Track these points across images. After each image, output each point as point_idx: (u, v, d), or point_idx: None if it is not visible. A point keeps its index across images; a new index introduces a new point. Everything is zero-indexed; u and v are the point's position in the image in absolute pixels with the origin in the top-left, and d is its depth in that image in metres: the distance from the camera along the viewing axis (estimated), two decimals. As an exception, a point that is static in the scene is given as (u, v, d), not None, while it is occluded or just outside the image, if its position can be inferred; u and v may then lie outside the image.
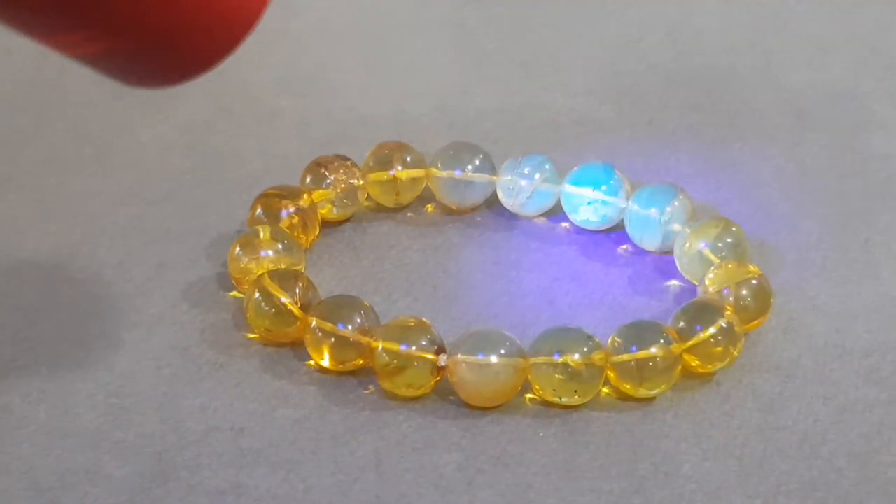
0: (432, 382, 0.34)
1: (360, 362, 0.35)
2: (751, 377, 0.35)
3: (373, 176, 0.40)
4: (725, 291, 0.36)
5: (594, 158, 0.40)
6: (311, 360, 0.36)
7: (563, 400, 0.34)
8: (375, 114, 0.45)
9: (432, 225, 0.40)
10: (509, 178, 0.40)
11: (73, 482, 0.33)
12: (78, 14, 0.26)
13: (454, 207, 0.41)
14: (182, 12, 0.27)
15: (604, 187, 0.39)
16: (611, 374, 0.34)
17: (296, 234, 0.38)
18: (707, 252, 0.37)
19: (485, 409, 0.34)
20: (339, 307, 0.35)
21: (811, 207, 0.41)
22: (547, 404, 0.34)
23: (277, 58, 0.48)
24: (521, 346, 0.34)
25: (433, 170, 0.40)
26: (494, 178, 0.40)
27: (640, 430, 0.34)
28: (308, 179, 0.40)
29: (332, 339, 0.35)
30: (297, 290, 0.36)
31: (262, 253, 0.37)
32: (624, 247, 0.39)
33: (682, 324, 0.35)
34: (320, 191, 0.39)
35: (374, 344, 0.35)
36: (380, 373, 0.34)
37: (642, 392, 0.34)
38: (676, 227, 0.38)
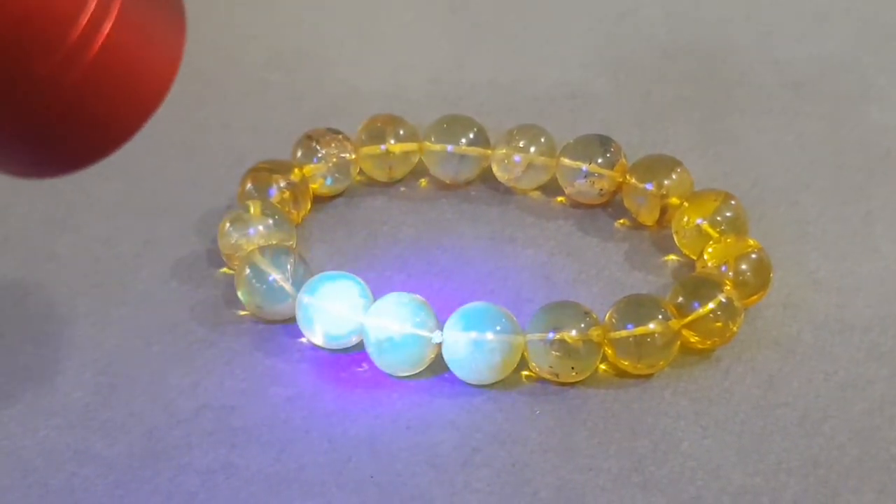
0: (427, 360, 0.34)
1: (354, 340, 0.35)
2: (750, 353, 0.35)
3: (365, 150, 0.39)
4: (724, 267, 0.35)
5: (590, 132, 0.40)
6: (304, 337, 0.35)
7: (560, 377, 0.34)
8: (367, 87, 0.44)
9: (426, 200, 0.40)
10: (504, 151, 0.39)
11: (60, 462, 0.32)
12: None
13: (448, 182, 0.40)
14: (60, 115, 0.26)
15: (600, 160, 0.38)
16: (608, 351, 0.34)
17: (287, 209, 0.38)
18: (705, 226, 0.36)
19: (480, 387, 0.34)
20: (332, 284, 0.35)
21: (810, 180, 0.40)
22: (543, 381, 0.34)
23: (267, 30, 0.47)
24: (517, 322, 0.34)
25: (426, 143, 0.40)
26: (489, 151, 0.39)
27: (638, 408, 0.33)
28: (299, 154, 0.39)
29: (325, 317, 0.34)
30: (289, 267, 0.35)
31: (253, 229, 0.36)
32: (621, 221, 0.39)
33: (680, 299, 0.34)
34: (312, 165, 0.39)
35: (367, 321, 0.34)
36: (373, 350, 0.34)
37: (640, 368, 0.34)
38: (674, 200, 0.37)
